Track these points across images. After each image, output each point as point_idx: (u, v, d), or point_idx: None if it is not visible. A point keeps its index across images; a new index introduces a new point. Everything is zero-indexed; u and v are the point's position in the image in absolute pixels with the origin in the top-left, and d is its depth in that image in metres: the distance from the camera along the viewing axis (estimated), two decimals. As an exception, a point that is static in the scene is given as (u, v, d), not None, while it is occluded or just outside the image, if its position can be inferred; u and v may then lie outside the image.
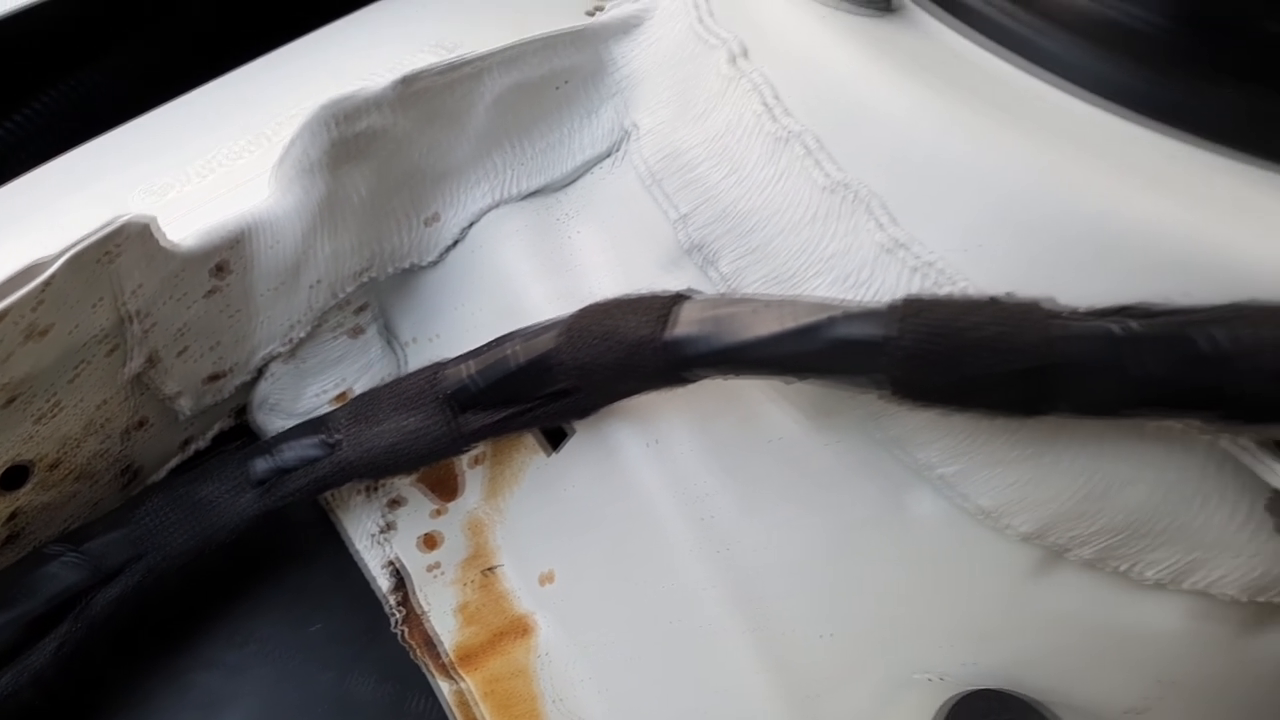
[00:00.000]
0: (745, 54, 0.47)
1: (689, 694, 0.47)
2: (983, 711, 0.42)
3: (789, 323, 0.38)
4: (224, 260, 0.47)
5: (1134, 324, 0.35)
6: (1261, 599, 0.42)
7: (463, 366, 0.46)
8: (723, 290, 0.45)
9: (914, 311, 0.36)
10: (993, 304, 0.37)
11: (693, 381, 0.42)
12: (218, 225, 0.47)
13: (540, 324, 0.44)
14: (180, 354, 0.48)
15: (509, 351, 0.45)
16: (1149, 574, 0.42)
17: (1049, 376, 0.35)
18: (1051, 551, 0.42)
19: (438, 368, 0.47)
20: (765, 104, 0.45)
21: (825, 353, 0.38)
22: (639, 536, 0.48)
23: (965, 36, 0.48)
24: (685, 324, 0.40)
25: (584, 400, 0.45)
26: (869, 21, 0.47)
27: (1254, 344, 0.34)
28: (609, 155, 0.53)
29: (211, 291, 0.48)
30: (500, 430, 0.46)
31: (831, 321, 0.37)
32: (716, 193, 0.45)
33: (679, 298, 0.41)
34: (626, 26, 0.53)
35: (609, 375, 0.42)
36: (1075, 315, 0.37)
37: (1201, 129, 0.44)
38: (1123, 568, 0.42)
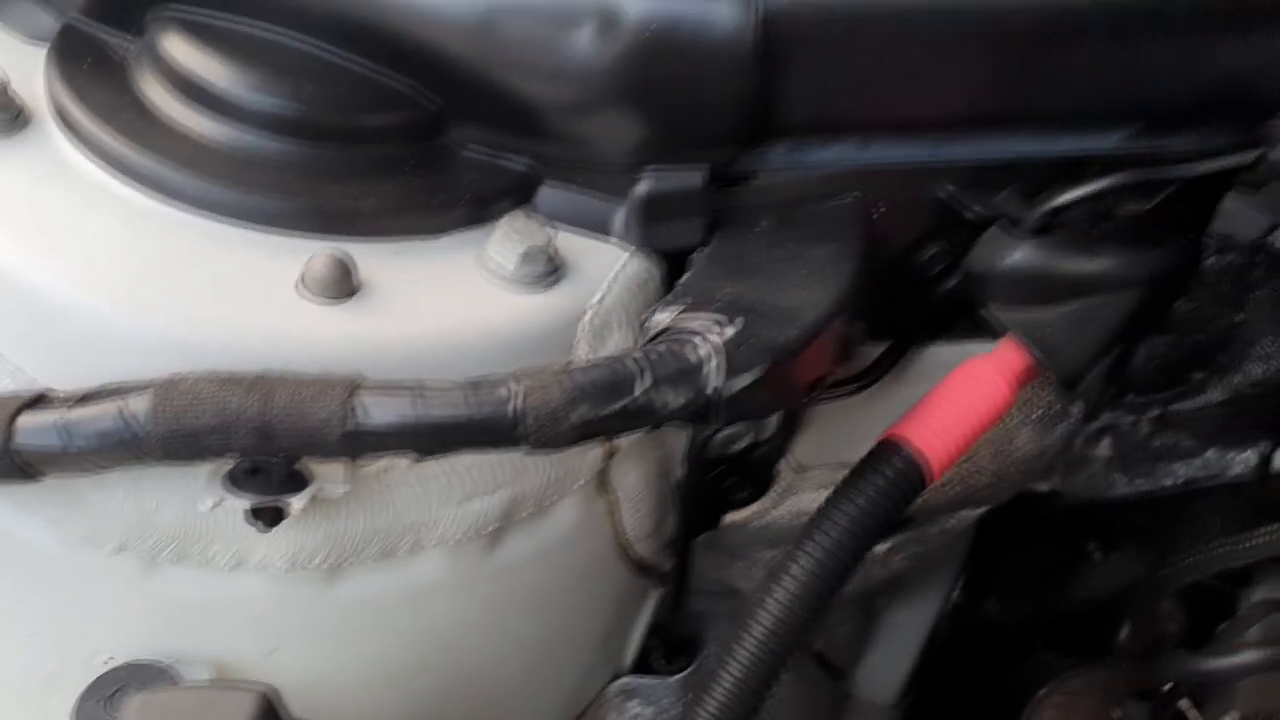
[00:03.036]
0: None
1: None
2: (119, 678, 0.57)
3: None
4: None
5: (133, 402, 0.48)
6: (308, 566, 0.57)
7: None
8: None
9: None
10: None
11: None
12: None
13: None
14: None
15: None
16: (216, 562, 0.56)
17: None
18: (147, 557, 0.56)
19: None
20: None
21: None
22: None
23: (83, 154, 0.58)
24: None
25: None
26: (-9, 143, 0.57)
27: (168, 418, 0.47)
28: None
29: None
30: None
31: None
32: None
33: None
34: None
35: None
36: (69, 399, 0.49)
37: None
38: (203, 560, 0.56)
